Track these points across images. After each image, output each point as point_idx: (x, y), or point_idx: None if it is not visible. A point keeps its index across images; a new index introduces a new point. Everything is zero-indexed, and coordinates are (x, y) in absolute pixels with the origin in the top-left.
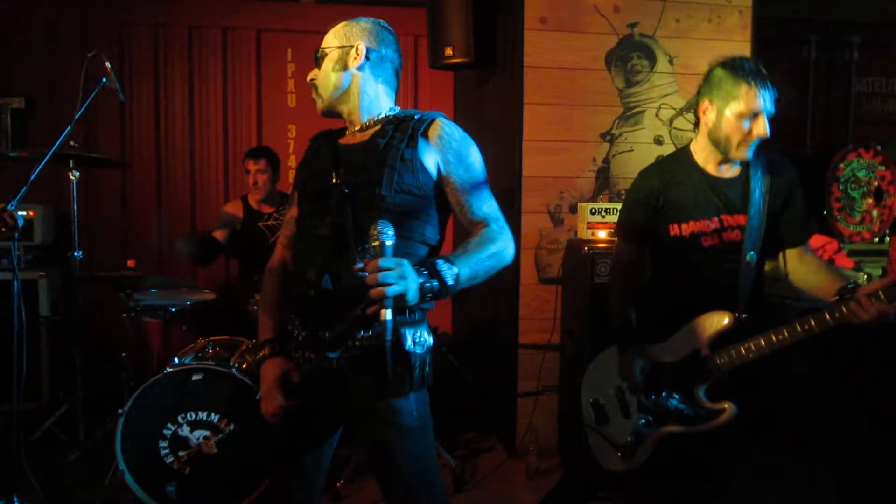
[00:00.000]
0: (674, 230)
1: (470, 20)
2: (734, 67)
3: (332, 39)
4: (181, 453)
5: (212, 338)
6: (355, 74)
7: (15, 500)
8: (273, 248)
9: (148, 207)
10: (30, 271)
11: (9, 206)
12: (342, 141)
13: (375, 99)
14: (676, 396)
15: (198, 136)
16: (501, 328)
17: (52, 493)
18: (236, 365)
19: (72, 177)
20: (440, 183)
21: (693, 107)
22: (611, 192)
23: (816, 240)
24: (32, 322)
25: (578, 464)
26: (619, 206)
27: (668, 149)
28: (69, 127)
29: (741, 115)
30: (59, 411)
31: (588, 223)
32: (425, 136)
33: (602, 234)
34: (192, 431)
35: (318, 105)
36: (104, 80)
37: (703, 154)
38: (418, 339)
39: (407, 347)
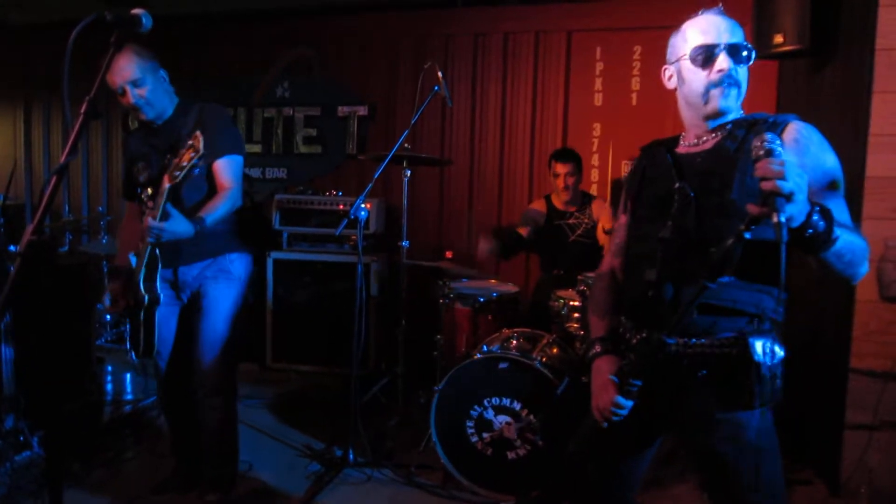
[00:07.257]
0: None
1: (807, 3)
2: None
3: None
4: (485, 434)
5: (515, 329)
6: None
7: (350, 451)
8: (573, 246)
9: (461, 203)
10: (365, 256)
11: (357, 201)
12: (679, 150)
13: None
14: None
15: (507, 137)
16: (826, 349)
17: (377, 451)
18: (539, 358)
19: (404, 175)
20: None
21: None
22: None
23: None
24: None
25: None
26: None
27: None
28: (406, 131)
29: None
30: (383, 380)
31: None
32: (780, 139)
33: None
34: (496, 416)
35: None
36: (436, 87)
37: None
38: (767, 349)
39: (756, 358)
